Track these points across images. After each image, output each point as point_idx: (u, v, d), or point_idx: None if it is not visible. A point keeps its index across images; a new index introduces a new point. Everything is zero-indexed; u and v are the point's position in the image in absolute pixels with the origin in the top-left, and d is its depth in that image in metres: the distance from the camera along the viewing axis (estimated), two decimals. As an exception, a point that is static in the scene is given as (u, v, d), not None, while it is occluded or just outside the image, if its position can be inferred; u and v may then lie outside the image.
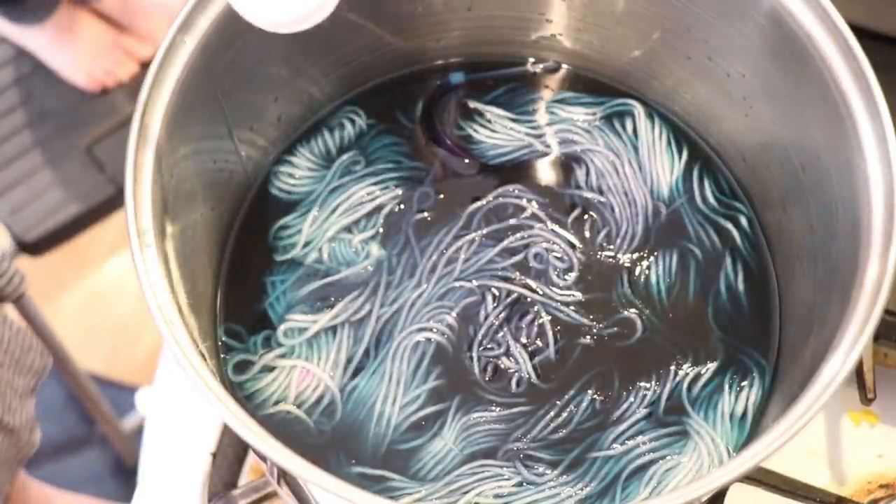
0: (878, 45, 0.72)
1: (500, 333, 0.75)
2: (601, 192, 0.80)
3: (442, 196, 0.80)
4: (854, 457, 0.86)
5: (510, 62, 0.85)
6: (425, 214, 0.79)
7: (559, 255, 0.78)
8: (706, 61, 0.77)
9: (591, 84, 0.85)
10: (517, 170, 0.81)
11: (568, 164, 0.82)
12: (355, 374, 0.74)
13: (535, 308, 0.75)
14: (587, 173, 0.81)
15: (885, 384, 0.80)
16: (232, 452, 0.84)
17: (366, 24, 0.79)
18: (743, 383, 0.74)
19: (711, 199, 0.81)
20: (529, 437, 0.72)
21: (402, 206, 0.79)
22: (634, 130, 0.83)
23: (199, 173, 0.72)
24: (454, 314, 0.75)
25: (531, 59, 0.86)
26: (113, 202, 1.53)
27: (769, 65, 0.72)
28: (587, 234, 0.79)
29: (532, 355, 0.74)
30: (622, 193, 0.80)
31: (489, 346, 0.75)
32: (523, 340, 0.75)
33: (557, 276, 0.77)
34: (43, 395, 1.13)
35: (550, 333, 0.75)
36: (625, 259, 0.78)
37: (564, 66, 0.86)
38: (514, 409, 0.73)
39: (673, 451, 0.71)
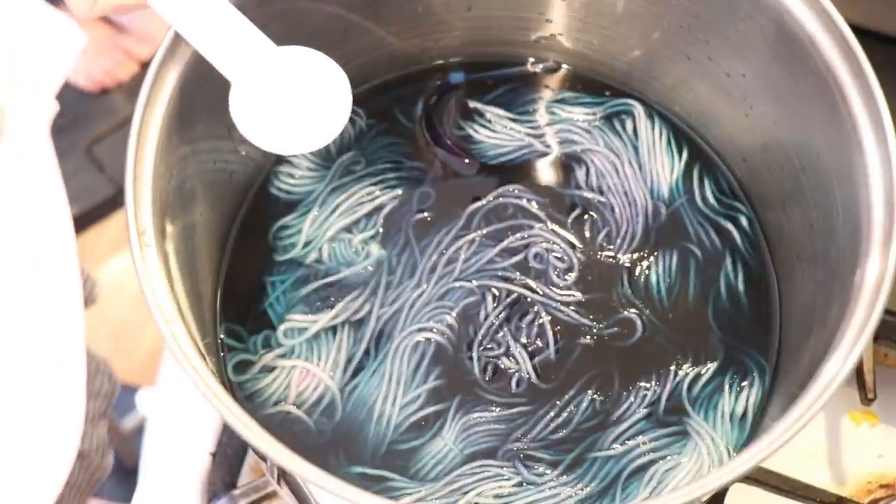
0: (878, 45, 0.72)
1: (500, 333, 0.75)
2: (601, 192, 0.80)
3: (442, 196, 0.80)
4: (854, 457, 0.86)
5: (510, 62, 0.85)
6: (425, 214, 0.79)
7: (559, 255, 0.78)
8: (706, 61, 0.77)
9: (591, 84, 0.85)
10: (517, 170, 0.81)
11: (568, 164, 0.82)
12: (355, 374, 0.74)
13: (535, 308, 0.75)
14: (587, 173, 0.81)
15: (885, 384, 0.80)
16: (231, 452, 0.84)
17: (366, 24, 0.79)
18: (743, 383, 0.74)
19: (711, 199, 0.81)
20: (529, 437, 0.72)
21: (402, 207, 0.79)
22: (634, 130, 0.83)
23: (199, 173, 0.72)
24: (454, 314, 0.75)
25: (531, 59, 0.86)
26: (113, 202, 1.53)
27: (769, 65, 0.72)
28: (587, 234, 0.79)
29: (532, 355, 0.74)
30: (622, 193, 0.80)
31: (489, 346, 0.75)
32: (523, 340, 0.75)
33: (557, 276, 0.77)
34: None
35: (550, 333, 0.75)
36: (625, 259, 0.78)
37: (564, 66, 0.86)
38: (514, 409, 0.73)
39: (673, 451, 0.71)
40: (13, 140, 0.43)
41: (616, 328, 0.75)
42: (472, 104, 0.84)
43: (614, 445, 0.71)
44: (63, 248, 0.46)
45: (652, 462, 0.71)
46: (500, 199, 0.80)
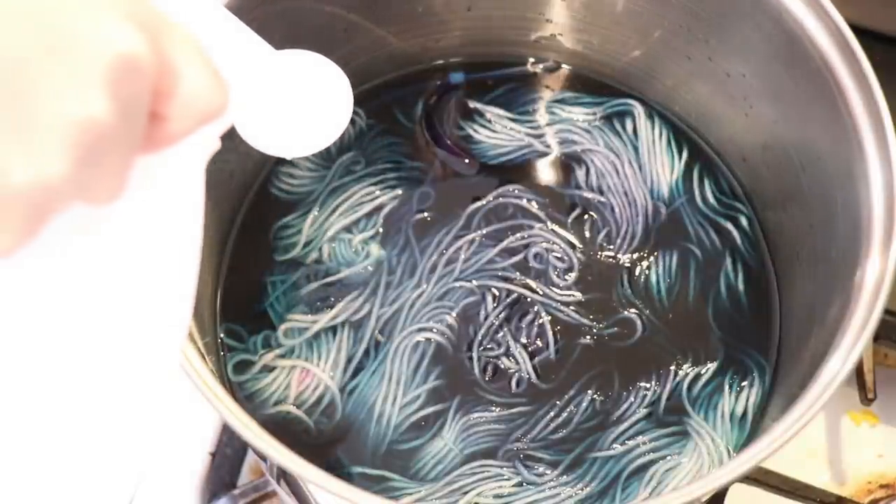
0: (877, 45, 0.72)
1: (500, 333, 0.75)
2: (601, 192, 0.80)
3: (442, 196, 0.80)
4: (854, 457, 0.86)
5: (510, 62, 0.85)
6: (425, 214, 0.79)
7: (559, 255, 0.78)
8: (706, 61, 0.77)
9: (590, 84, 0.85)
10: (517, 170, 0.81)
11: (568, 164, 0.82)
12: (355, 374, 0.74)
13: (535, 308, 0.75)
14: (587, 173, 0.81)
15: (885, 384, 0.80)
16: (231, 452, 0.84)
17: (366, 24, 0.79)
18: (743, 383, 0.74)
19: (711, 199, 0.81)
20: (529, 438, 0.72)
21: (402, 207, 0.79)
22: (634, 130, 0.83)
23: (199, 173, 0.72)
24: (454, 314, 0.75)
25: (531, 59, 0.86)
26: (113, 202, 1.53)
27: (769, 65, 0.72)
28: (587, 234, 0.79)
29: (532, 355, 0.74)
30: (622, 193, 0.80)
31: (489, 346, 0.75)
32: (523, 340, 0.75)
33: (557, 276, 0.77)
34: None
35: (550, 333, 0.75)
36: (625, 259, 0.78)
37: (564, 66, 0.86)
38: (514, 409, 0.73)
39: (673, 451, 0.71)
40: (175, 165, 0.43)
41: (616, 328, 0.75)
42: (472, 104, 0.84)
43: (614, 445, 0.71)
44: (184, 294, 0.46)
45: (652, 462, 0.71)
46: (500, 199, 0.80)
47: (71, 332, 0.41)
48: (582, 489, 0.70)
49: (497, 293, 0.76)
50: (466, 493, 0.70)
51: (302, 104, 0.62)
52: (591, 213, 0.79)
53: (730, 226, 0.79)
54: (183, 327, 0.46)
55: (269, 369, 0.74)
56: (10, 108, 0.33)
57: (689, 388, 0.74)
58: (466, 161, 0.81)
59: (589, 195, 0.80)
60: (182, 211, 0.44)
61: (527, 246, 0.78)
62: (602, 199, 0.80)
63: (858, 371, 0.79)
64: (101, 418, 0.43)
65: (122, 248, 0.42)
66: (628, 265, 0.78)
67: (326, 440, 0.72)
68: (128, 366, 0.43)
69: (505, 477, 0.70)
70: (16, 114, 0.33)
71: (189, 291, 0.46)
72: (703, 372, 0.74)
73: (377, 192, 0.80)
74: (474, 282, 0.76)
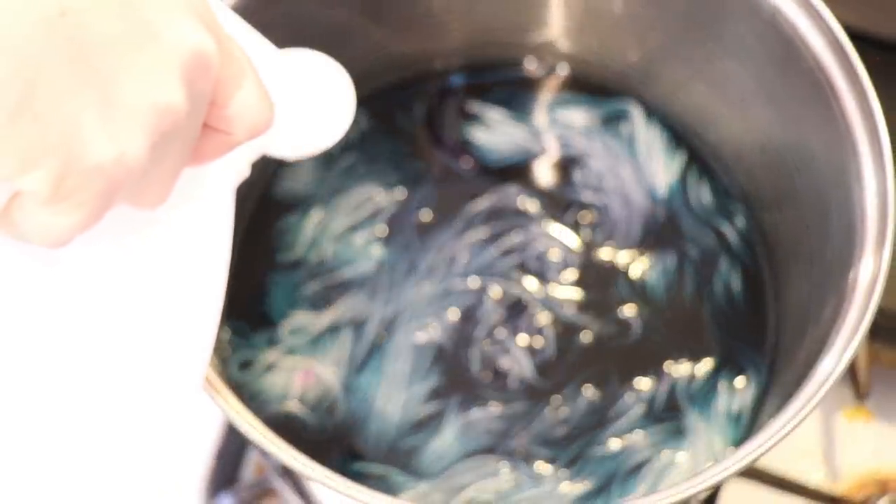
0: (872, 48, 0.73)
1: (500, 332, 0.75)
2: (600, 193, 0.81)
3: (442, 197, 0.80)
4: (848, 454, 0.87)
5: (509, 64, 0.86)
6: (426, 215, 0.80)
7: (558, 255, 0.78)
8: (703, 63, 0.78)
9: (589, 86, 0.85)
10: (516, 171, 0.82)
11: (567, 165, 0.82)
12: (357, 372, 0.74)
13: (535, 307, 0.76)
14: (586, 174, 0.82)
15: (878, 382, 0.81)
16: (234, 449, 0.85)
17: (368, 27, 0.79)
18: (739, 381, 0.74)
19: (708, 200, 0.81)
20: (528, 435, 0.72)
21: (403, 208, 0.80)
22: (632, 132, 0.83)
23: (203, 174, 0.73)
24: (454, 313, 0.76)
25: (530, 62, 0.86)
26: (113, 201, 1.53)
27: (765, 67, 0.73)
28: (586, 234, 0.79)
29: (531, 354, 0.75)
30: (620, 194, 0.81)
31: (488, 344, 0.75)
32: (522, 339, 0.75)
33: (556, 275, 0.78)
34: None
35: (549, 332, 0.75)
36: (623, 259, 0.79)
37: (563, 68, 0.86)
38: (513, 407, 0.73)
39: (670, 447, 0.72)
40: (206, 190, 0.43)
41: (614, 327, 0.76)
42: (472, 106, 0.84)
43: (612, 442, 0.72)
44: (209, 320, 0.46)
45: (649, 459, 0.72)
46: (500, 200, 0.80)
47: (94, 341, 0.42)
48: (580, 485, 0.71)
49: (497, 292, 0.77)
50: (465, 489, 0.71)
51: (305, 104, 0.62)
52: (590, 213, 0.80)
53: (726, 226, 0.80)
54: (206, 356, 0.46)
55: (271, 368, 0.75)
56: (98, 85, 0.34)
57: (686, 387, 0.74)
58: (466, 163, 0.82)
59: (587, 196, 0.81)
60: (212, 234, 0.44)
61: (526, 246, 0.78)
62: (600, 199, 0.81)
63: (852, 369, 0.79)
64: (119, 433, 0.44)
65: (153, 262, 0.42)
66: (626, 265, 0.78)
67: (328, 438, 0.73)
68: (151, 382, 0.44)
69: (504, 473, 0.71)
70: (102, 91, 0.34)
71: (215, 313, 0.46)
72: (699, 370, 0.75)
73: (378, 194, 0.80)
74: (474, 281, 0.77)
